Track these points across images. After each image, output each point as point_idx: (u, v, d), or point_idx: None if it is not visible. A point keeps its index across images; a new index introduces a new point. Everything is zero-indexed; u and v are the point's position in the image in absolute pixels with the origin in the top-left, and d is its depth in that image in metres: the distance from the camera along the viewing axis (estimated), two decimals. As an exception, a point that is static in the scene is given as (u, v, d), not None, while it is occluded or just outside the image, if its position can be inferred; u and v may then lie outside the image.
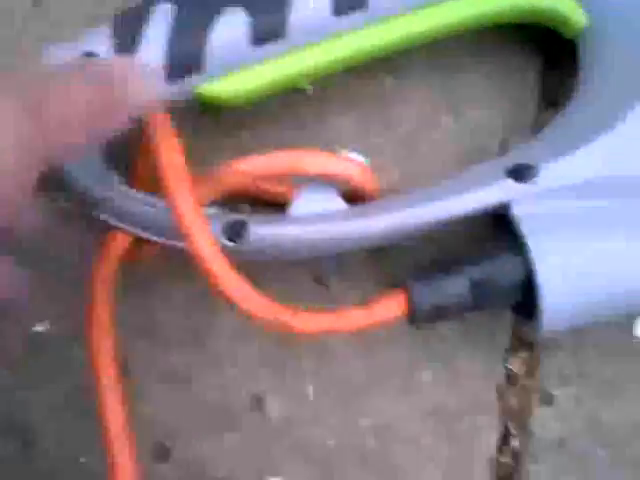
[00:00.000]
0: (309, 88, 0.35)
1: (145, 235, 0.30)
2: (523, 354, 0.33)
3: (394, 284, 0.31)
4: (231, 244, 0.29)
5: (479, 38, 0.34)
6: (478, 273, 0.27)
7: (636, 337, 0.32)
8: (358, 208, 0.29)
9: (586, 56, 0.31)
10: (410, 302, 0.27)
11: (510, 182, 0.28)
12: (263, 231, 0.29)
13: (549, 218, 0.27)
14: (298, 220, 0.29)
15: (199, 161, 0.31)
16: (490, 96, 0.34)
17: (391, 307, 0.27)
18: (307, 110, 0.35)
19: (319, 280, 0.33)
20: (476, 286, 0.27)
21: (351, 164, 0.29)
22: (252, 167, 0.29)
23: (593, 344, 0.32)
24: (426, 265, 0.29)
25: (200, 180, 0.30)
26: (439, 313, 0.27)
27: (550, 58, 0.35)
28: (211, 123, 0.35)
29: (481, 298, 0.27)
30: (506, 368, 0.33)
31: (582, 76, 0.30)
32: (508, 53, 0.35)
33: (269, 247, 0.29)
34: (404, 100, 0.35)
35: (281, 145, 0.29)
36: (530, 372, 0.33)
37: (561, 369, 0.32)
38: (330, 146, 0.34)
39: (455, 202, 0.28)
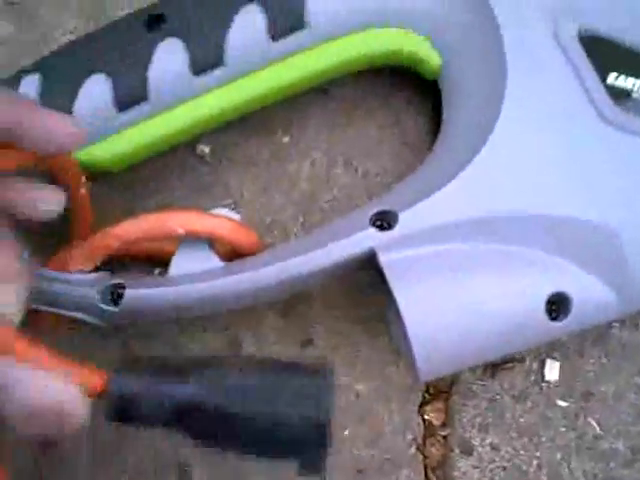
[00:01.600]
0: (206, 151, 0.35)
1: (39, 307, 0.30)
2: (439, 404, 0.33)
3: (305, 340, 0.32)
4: (109, 308, 0.29)
5: (370, 88, 0.35)
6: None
7: (547, 381, 0.32)
8: (231, 265, 0.29)
9: (445, 98, 0.31)
10: (107, 384, 0.24)
11: (372, 230, 0.28)
12: (139, 293, 0.29)
13: (413, 262, 0.27)
14: (171, 281, 0.29)
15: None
16: (383, 147, 0.35)
17: (90, 378, 0.24)
18: (205, 172, 0.35)
19: (234, 342, 0.33)
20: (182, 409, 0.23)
21: (218, 221, 0.29)
22: (124, 231, 0.29)
23: (507, 390, 0.32)
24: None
25: (80, 247, 0.30)
26: (135, 414, 0.24)
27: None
28: (110, 188, 0.35)
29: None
30: (424, 420, 0.32)
31: (444, 118, 0.31)
32: (399, 102, 0.35)
33: (146, 308, 0.29)
34: (301, 156, 0.35)
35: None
36: (448, 422, 0.32)
37: (478, 418, 0.32)
38: (229, 206, 0.34)
39: (322, 253, 0.28)
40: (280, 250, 0.29)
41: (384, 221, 0.28)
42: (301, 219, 0.34)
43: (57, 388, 0.23)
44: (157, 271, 0.34)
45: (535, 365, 0.32)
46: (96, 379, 0.24)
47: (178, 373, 0.24)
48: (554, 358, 0.32)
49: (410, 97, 0.35)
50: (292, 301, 0.33)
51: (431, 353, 0.27)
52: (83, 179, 0.31)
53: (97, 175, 0.32)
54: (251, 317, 0.33)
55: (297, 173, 0.35)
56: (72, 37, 0.37)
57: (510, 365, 0.32)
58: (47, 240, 0.32)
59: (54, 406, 0.23)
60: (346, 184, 0.34)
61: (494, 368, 0.32)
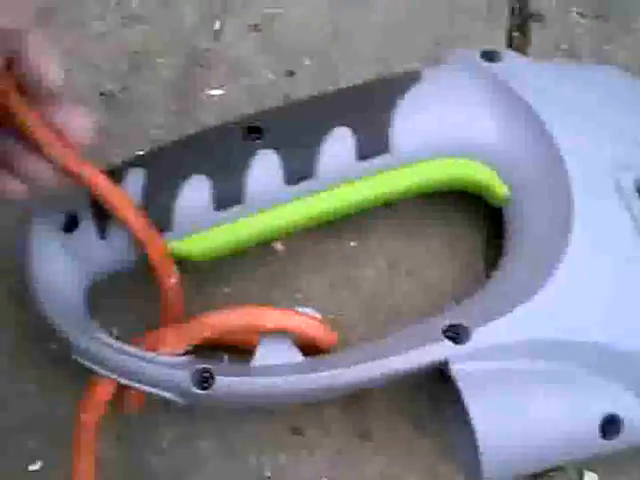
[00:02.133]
0: (280, 249, 0.38)
1: (126, 382, 0.32)
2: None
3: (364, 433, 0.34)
4: (199, 392, 0.31)
5: (433, 206, 0.38)
6: None
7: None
8: (311, 362, 0.32)
9: (510, 224, 0.35)
10: None
11: (447, 342, 0.31)
12: (227, 381, 0.31)
13: (485, 375, 0.30)
14: (256, 371, 0.31)
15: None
16: (442, 260, 0.38)
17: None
18: (278, 268, 0.38)
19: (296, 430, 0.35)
20: None
21: (305, 319, 0.32)
22: (218, 321, 0.32)
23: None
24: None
25: (173, 331, 0.32)
26: None
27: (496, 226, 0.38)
28: (195, 279, 0.38)
29: None
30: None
31: (508, 242, 0.34)
32: (458, 220, 0.39)
33: (232, 395, 0.31)
34: (367, 261, 0.38)
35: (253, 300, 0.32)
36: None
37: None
38: (297, 302, 0.37)
39: (397, 359, 0.31)
40: (358, 352, 0.32)
41: (455, 333, 0.31)
42: (363, 321, 0.37)
43: None
44: (226, 357, 0.36)
45: (574, 476, 0.35)
46: None
47: None
48: (592, 470, 0.34)
49: (468, 219, 0.39)
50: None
51: (495, 458, 0.29)
52: (174, 268, 0.33)
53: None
54: (313, 407, 0.35)
55: (362, 276, 0.38)
56: (161, 132, 0.41)
57: (552, 474, 0.34)
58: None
59: None
60: (406, 291, 0.37)
61: (536, 476, 0.35)
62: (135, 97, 0.43)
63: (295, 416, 0.35)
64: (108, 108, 0.42)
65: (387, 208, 0.38)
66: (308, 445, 0.35)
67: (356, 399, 0.35)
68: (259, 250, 0.38)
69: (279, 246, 0.38)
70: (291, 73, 0.45)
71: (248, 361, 0.32)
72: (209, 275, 0.38)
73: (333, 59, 0.46)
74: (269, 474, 0.34)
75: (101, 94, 0.43)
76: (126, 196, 0.32)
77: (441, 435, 0.35)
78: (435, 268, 0.38)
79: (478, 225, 0.39)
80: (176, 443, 0.35)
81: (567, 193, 0.33)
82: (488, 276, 0.36)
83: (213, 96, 0.44)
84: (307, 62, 0.46)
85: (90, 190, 0.32)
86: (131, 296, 0.37)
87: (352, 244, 0.38)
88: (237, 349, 0.35)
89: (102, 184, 0.31)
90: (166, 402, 0.32)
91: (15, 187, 0.30)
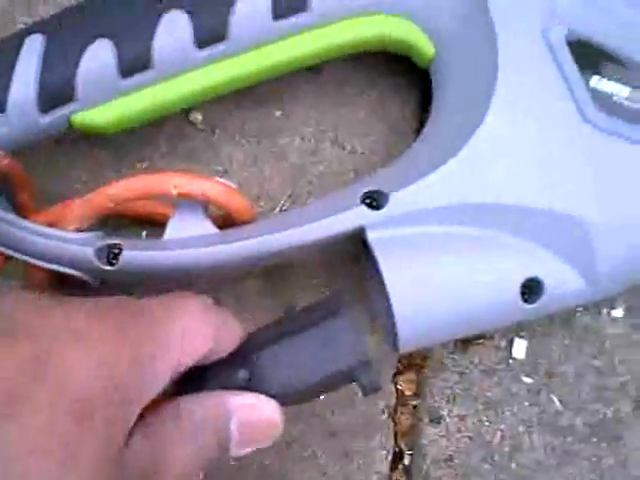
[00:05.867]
0: (199, 118, 0.36)
1: (33, 261, 0.30)
2: (411, 376, 0.35)
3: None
4: (106, 267, 0.30)
5: (361, 72, 0.36)
6: None
7: (514, 358, 0.34)
8: (224, 233, 0.31)
9: (436, 86, 0.33)
10: None
11: (363, 208, 0.29)
12: (135, 255, 0.30)
13: (401, 242, 0.29)
14: (167, 244, 0.30)
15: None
16: (371, 127, 0.36)
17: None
18: (198, 141, 0.36)
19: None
20: None
21: (213, 184, 0.30)
22: (120, 190, 0.30)
23: (476, 365, 0.34)
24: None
25: (75, 205, 0.31)
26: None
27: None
28: (100, 149, 0.36)
29: None
30: (396, 389, 0.34)
31: (434, 104, 0.32)
32: (389, 85, 0.37)
33: (142, 270, 0.30)
34: (291, 132, 0.36)
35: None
36: (419, 392, 0.34)
37: (447, 390, 0.34)
38: (219, 174, 0.36)
39: (314, 227, 0.29)
40: (273, 222, 0.31)
41: (373, 200, 0.29)
42: (289, 191, 0.36)
43: (269, 404, 0.26)
44: (144, 233, 0.35)
45: (504, 343, 0.34)
46: None
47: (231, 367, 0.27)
48: (522, 337, 0.34)
49: (398, 83, 0.37)
50: (273, 269, 0.35)
51: (411, 326, 0.29)
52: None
53: (90, 136, 0.33)
54: (234, 281, 0.34)
55: (287, 147, 0.36)
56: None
57: (480, 342, 0.34)
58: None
59: (268, 421, 0.26)
60: (333, 160, 0.36)
61: (465, 344, 0.34)
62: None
63: (214, 291, 0.34)
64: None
65: (313, 75, 0.36)
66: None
67: (276, 273, 0.34)
68: (176, 121, 0.36)
69: (197, 116, 0.36)
70: None
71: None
72: (126, 151, 0.36)
73: None
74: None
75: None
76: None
77: (366, 308, 0.34)
78: (363, 136, 0.36)
79: (408, 90, 0.36)
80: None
81: (492, 50, 0.30)
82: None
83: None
84: None
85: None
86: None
87: (277, 114, 0.36)
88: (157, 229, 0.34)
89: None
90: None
91: None
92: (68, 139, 0.36)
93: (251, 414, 0.26)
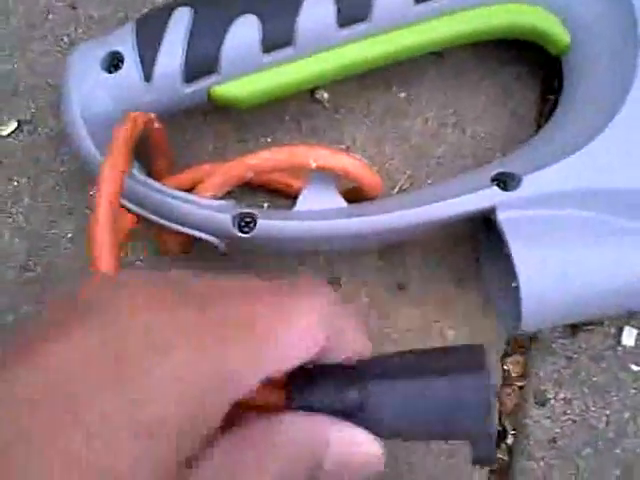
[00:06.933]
0: (325, 97, 0.37)
1: (167, 224, 0.32)
2: (519, 358, 0.35)
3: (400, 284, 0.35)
4: (241, 235, 0.31)
5: (485, 58, 0.37)
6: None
7: (623, 346, 0.35)
8: (355, 207, 0.32)
9: (569, 73, 0.33)
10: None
11: (495, 189, 0.30)
12: (269, 224, 0.31)
13: (531, 223, 0.30)
14: (299, 216, 0.31)
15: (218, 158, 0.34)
16: (492, 112, 0.37)
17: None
18: (323, 118, 0.37)
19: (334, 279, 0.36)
20: None
21: (351, 159, 0.31)
22: (260, 160, 0.31)
23: (584, 350, 0.35)
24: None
25: (212, 173, 0.32)
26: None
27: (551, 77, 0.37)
28: (227, 123, 0.37)
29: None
30: (503, 370, 0.35)
31: (566, 92, 0.33)
32: (511, 72, 0.37)
33: (273, 240, 0.31)
34: (414, 114, 0.37)
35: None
36: (525, 374, 0.35)
37: (555, 373, 0.35)
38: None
39: (445, 205, 0.30)
40: (405, 198, 0.32)
41: (505, 182, 0.30)
42: (408, 172, 0.37)
43: (365, 437, 0.23)
44: (266, 205, 0.36)
45: (613, 330, 0.35)
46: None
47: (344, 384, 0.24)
48: (632, 326, 0.35)
49: (520, 70, 0.37)
50: (387, 248, 0.36)
51: (536, 307, 0.29)
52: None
53: (218, 109, 0.34)
54: (350, 257, 0.36)
55: (409, 129, 0.37)
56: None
57: (590, 327, 0.35)
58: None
59: (368, 456, 0.23)
60: (453, 144, 0.37)
61: (574, 329, 0.35)
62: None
63: (333, 266, 0.36)
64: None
65: (438, 59, 0.37)
66: (344, 294, 0.35)
67: (394, 251, 0.35)
68: (303, 101, 0.37)
69: (324, 94, 0.37)
70: None
71: (290, 209, 0.32)
72: (251, 126, 0.37)
73: None
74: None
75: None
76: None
77: (478, 290, 0.35)
78: (485, 121, 0.37)
79: (533, 77, 0.37)
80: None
81: (632, 39, 0.31)
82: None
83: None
84: None
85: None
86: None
87: (401, 95, 0.37)
88: (278, 201, 0.36)
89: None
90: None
91: None
92: (198, 112, 0.37)
93: (350, 449, 0.23)
